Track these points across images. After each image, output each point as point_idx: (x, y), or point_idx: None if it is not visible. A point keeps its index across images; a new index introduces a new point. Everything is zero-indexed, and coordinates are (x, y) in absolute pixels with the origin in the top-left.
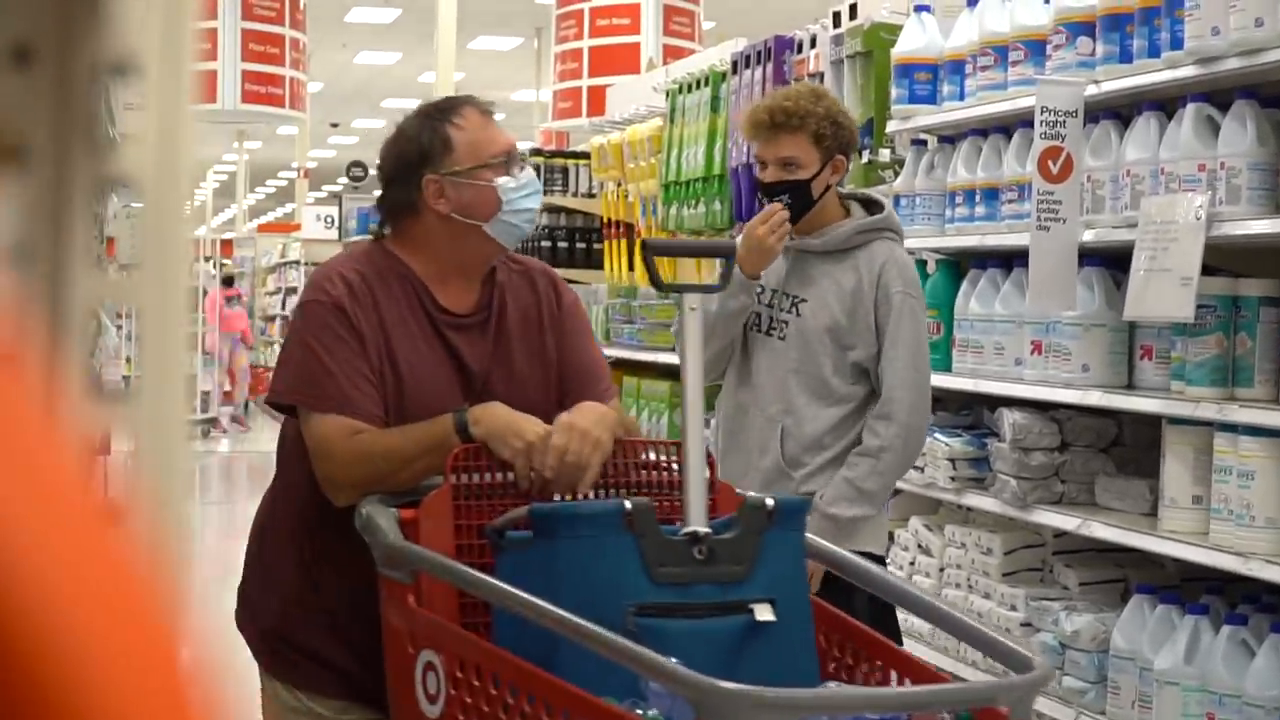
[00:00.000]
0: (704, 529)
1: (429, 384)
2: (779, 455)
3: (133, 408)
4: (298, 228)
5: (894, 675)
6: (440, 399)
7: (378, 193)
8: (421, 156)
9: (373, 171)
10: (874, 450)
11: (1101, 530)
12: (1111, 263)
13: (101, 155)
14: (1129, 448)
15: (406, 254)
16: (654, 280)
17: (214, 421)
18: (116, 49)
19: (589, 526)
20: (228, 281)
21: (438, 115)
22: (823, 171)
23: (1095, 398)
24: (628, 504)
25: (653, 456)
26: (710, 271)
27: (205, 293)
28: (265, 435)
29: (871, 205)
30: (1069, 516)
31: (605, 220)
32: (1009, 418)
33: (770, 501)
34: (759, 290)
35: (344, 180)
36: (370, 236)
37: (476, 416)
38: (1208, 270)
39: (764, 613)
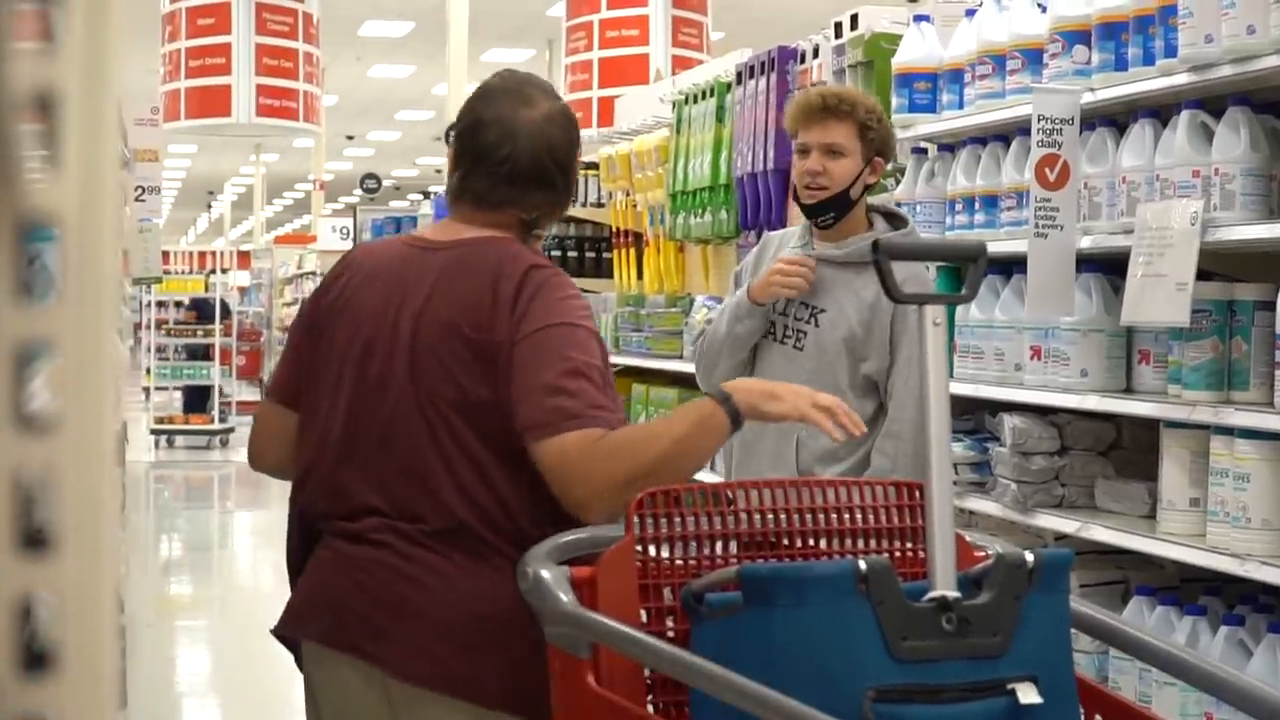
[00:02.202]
0: (953, 593)
1: None
2: (794, 465)
3: (57, 444)
4: (314, 239)
5: None
6: None
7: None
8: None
9: (386, 182)
10: (885, 471)
11: (1101, 533)
12: (1109, 268)
13: (23, 189)
14: (1128, 451)
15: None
16: (887, 286)
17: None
18: (36, 81)
19: (816, 591)
20: None
21: None
22: (864, 170)
23: (1094, 402)
24: (862, 563)
25: (856, 497)
26: (718, 273)
27: (224, 305)
28: None
29: (894, 219)
30: (1069, 519)
31: (614, 229)
32: (1009, 422)
33: (1030, 557)
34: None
35: (359, 192)
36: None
37: (731, 387)
38: (1203, 275)
39: (1028, 694)
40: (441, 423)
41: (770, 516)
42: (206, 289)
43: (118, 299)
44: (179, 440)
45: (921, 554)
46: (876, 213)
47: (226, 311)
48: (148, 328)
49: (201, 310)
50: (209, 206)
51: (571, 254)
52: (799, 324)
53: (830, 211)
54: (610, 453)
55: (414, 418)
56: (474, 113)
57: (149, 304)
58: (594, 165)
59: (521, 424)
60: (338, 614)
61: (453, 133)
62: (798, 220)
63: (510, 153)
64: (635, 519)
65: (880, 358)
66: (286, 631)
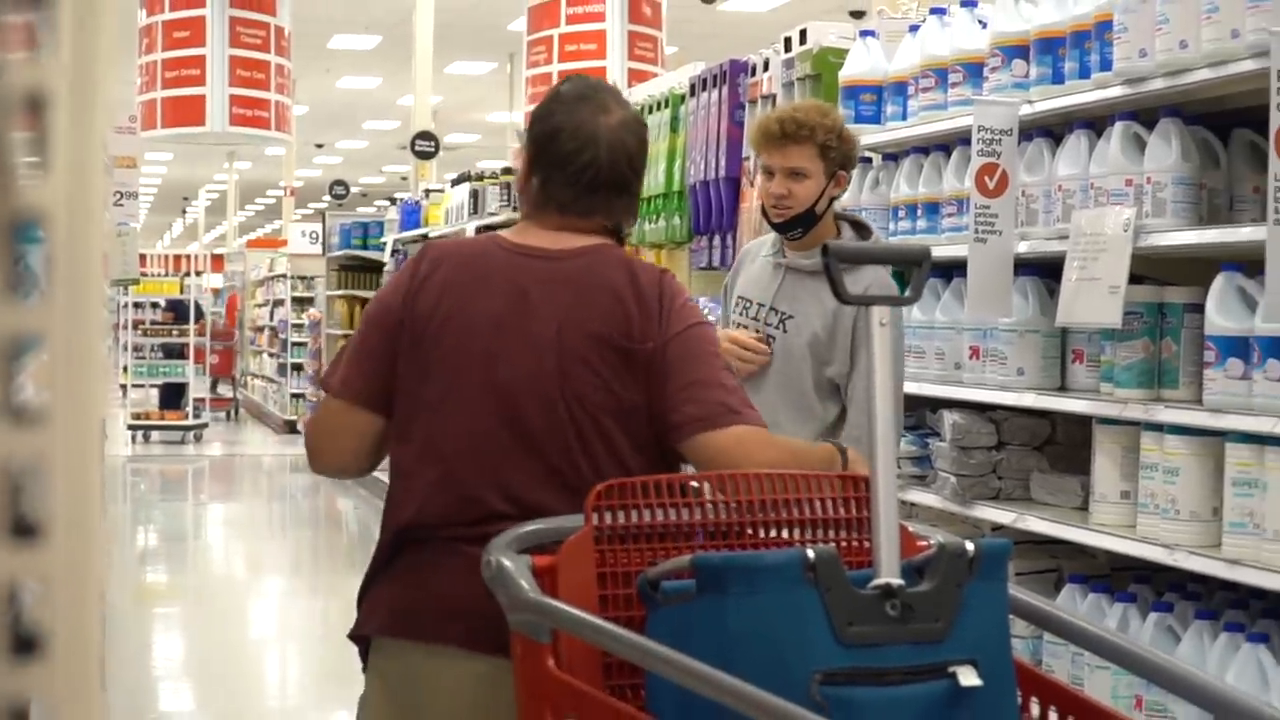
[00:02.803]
0: (897, 581)
1: None
2: None
3: (47, 435)
4: (284, 243)
5: None
6: None
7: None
8: None
9: (354, 189)
10: None
11: (1036, 524)
12: (1045, 272)
13: (15, 189)
14: (1062, 446)
15: None
16: (837, 290)
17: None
18: (28, 85)
19: (767, 579)
20: None
21: None
22: (827, 186)
23: (1030, 399)
24: (810, 552)
25: (805, 490)
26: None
27: (199, 307)
28: (256, 436)
29: (861, 228)
30: (1006, 511)
31: None
32: (949, 418)
33: (971, 547)
34: (747, 303)
35: (327, 198)
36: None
37: (849, 449)
38: (1135, 279)
39: (968, 677)
40: (594, 428)
41: (723, 508)
42: (182, 291)
43: (105, 295)
44: (155, 435)
45: (867, 544)
46: (845, 221)
47: (200, 313)
48: (125, 328)
49: (177, 311)
50: (184, 211)
51: None
52: (769, 329)
53: (798, 227)
54: (787, 451)
55: (564, 425)
56: (551, 119)
57: (126, 305)
58: None
59: (683, 417)
60: (480, 618)
61: (527, 138)
62: (746, 226)
63: (592, 160)
64: (594, 511)
65: (842, 362)
66: (398, 634)
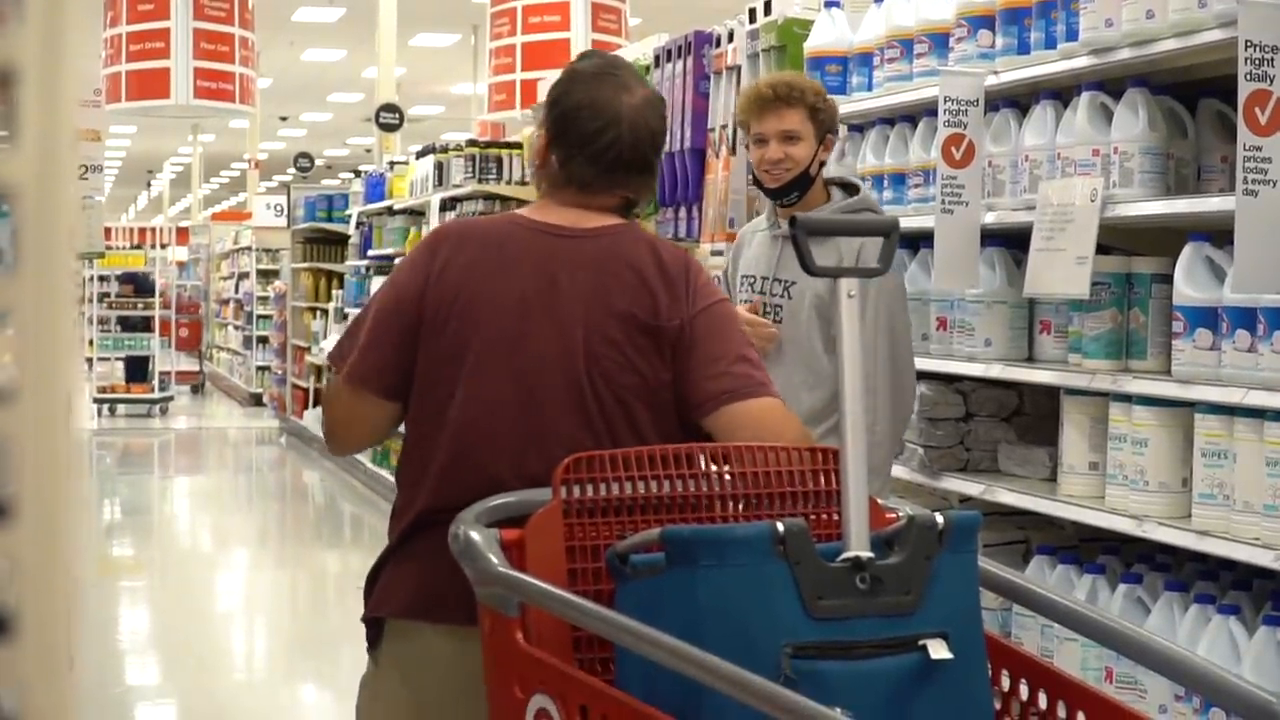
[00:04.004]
0: (867, 553)
1: None
2: None
3: (15, 415)
4: (249, 216)
5: (1081, 718)
6: None
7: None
8: None
9: (318, 161)
10: (865, 425)
11: (1004, 495)
12: (1012, 243)
13: None
14: (1030, 417)
15: None
16: (805, 262)
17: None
18: None
19: (737, 552)
20: None
21: None
22: (818, 149)
23: (997, 370)
24: (780, 526)
25: (777, 461)
26: None
27: (152, 280)
28: (222, 409)
29: (849, 188)
30: (974, 483)
31: None
32: (916, 390)
33: (940, 519)
34: (752, 280)
35: (292, 171)
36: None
37: None
38: (1103, 249)
39: (938, 650)
40: (617, 408)
41: (691, 481)
42: (145, 263)
43: (73, 270)
44: (121, 409)
45: (836, 516)
46: (834, 184)
47: (154, 286)
48: (90, 301)
49: (135, 284)
50: (149, 184)
51: None
52: (775, 299)
53: (794, 191)
54: (802, 427)
55: (588, 404)
56: (570, 97)
57: (92, 278)
58: (518, 145)
59: (707, 393)
60: None
61: (546, 115)
62: (712, 198)
63: (615, 140)
64: (562, 484)
65: None
66: (417, 616)
